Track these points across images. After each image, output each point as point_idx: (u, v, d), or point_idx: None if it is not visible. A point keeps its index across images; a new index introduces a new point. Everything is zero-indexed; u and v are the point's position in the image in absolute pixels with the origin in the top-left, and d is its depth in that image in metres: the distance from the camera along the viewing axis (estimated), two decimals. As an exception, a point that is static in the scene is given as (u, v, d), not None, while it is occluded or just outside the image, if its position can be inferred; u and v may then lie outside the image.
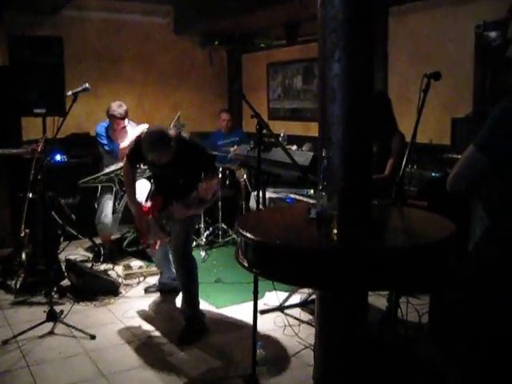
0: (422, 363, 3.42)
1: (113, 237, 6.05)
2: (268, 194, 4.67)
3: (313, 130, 6.72)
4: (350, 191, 2.51)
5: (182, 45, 8.10)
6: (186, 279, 4.15)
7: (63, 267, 5.01)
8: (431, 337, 3.47)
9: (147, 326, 4.29)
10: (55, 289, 4.75)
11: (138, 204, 4.23)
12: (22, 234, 4.96)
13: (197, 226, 5.44)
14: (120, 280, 5.14)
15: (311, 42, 6.75)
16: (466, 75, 5.13)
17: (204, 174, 3.92)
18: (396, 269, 2.15)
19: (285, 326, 4.18)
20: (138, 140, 4.04)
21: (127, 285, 5.15)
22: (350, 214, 2.43)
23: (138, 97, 7.61)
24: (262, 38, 7.70)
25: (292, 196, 5.00)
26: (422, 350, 3.52)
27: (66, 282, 4.96)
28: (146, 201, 4.42)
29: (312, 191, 4.74)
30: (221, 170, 6.39)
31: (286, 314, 4.40)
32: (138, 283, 5.21)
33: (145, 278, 5.32)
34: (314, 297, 4.20)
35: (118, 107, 5.50)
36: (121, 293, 4.94)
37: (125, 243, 6.11)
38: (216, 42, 7.87)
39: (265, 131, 3.59)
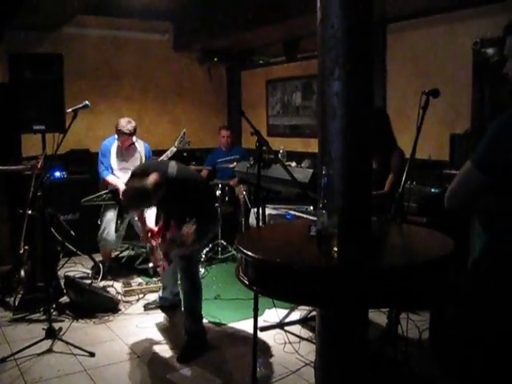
0: (422, 379, 3.40)
1: (113, 254, 6.03)
2: (268, 211, 4.68)
3: (312, 146, 6.74)
4: (350, 209, 2.51)
5: (181, 61, 8.14)
6: (190, 295, 4.13)
7: (62, 284, 4.99)
8: (431, 351, 3.46)
9: (147, 343, 4.27)
10: (54, 306, 4.72)
11: (149, 229, 4.41)
12: (21, 251, 4.92)
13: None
14: (119, 297, 5.13)
15: (310, 58, 6.80)
16: (464, 91, 5.16)
17: (190, 216, 3.96)
18: (396, 287, 2.16)
19: (285, 342, 4.16)
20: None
21: (127, 302, 5.12)
22: (350, 232, 2.43)
23: (137, 113, 7.62)
24: (261, 55, 7.76)
25: (292, 213, 5.00)
26: (423, 366, 3.50)
27: (65, 299, 4.94)
28: (156, 224, 4.57)
29: (312, 208, 4.75)
30: (220, 186, 6.42)
31: (286, 331, 4.38)
32: (138, 300, 5.18)
33: (144, 294, 5.30)
34: (314, 313, 4.19)
35: (126, 123, 5.53)
36: (120, 310, 4.92)
37: (137, 262, 6.15)
38: (215, 59, 7.92)
39: (264, 148, 3.61)
